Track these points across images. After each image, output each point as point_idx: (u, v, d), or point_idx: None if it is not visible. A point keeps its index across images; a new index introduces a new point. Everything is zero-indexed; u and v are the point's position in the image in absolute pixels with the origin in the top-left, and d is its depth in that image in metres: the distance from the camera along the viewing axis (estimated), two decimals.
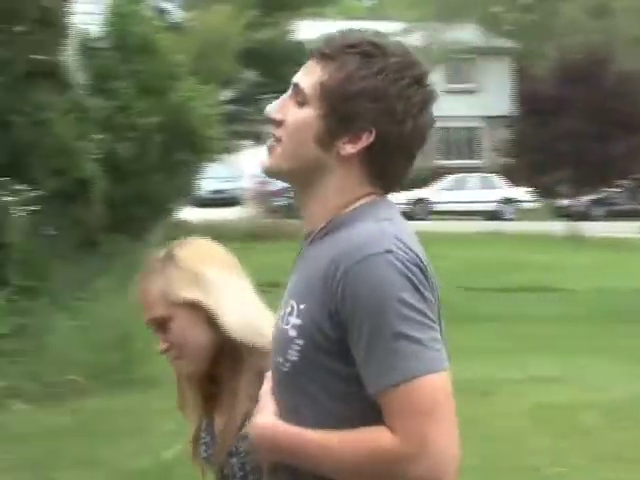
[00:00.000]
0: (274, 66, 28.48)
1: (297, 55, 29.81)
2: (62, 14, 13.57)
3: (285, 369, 2.04)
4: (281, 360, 2.04)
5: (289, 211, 28.40)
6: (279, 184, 33.14)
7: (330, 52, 2.00)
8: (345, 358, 1.95)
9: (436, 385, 1.89)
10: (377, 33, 2.04)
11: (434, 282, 1.98)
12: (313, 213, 2.06)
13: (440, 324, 1.98)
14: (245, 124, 27.62)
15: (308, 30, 30.94)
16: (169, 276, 2.40)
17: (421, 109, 2.00)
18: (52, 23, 13.07)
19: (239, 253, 2.58)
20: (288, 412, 2.04)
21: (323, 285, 1.96)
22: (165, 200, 16.73)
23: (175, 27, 24.09)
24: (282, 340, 2.05)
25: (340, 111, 1.98)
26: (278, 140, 2.05)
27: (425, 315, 1.92)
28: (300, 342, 2.00)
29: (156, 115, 15.40)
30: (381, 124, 1.97)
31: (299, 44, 30.48)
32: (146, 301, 2.42)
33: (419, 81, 2.00)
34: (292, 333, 2.01)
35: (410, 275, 1.92)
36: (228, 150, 20.96)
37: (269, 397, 2.09)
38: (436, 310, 1.97)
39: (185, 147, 16.34)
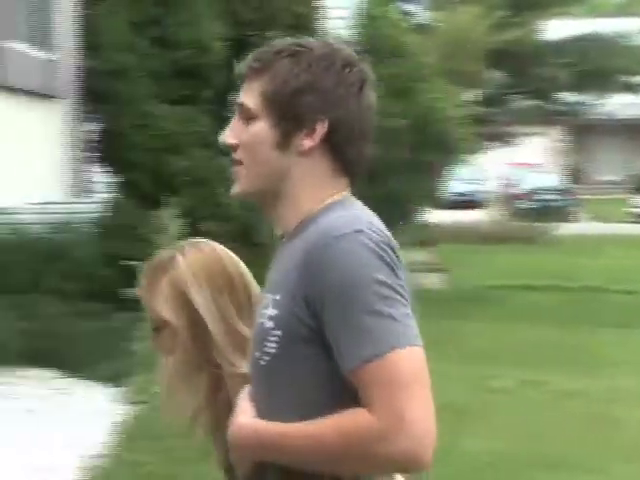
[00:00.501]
0: (521, 66, 28.12)
1: (545, 55, 29.35)
2: (314, 19, 13.85)
3: (263, 362, 2.03)
4: (258, 354, 2.04)
5: (534, 214, 27.95)
6: (524, 186, 32.89)
7: (260, 65, 2.07)
8: (326, 347, 1.95)
9: (412, 358, 1.89)
10: (299, 38, 2.11)
11: (404, 264, 2.00)
12: (285, 217, 2.10)
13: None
14: (491, 125, 27.41)
15: (555, 29, 30.38)
16: (159, 289, 2.37)
17: (360, 88, 2.07)
18: (305, 28, 13.36)
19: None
20: (269, 408, 2.01)
21: (298, 274, 1.98)
22: (413, 201, 16.78)
23: (422, 28, 24.13)
24: (258, 334, 2.05)
25: (288, 113, 2.04)
26: (239, 163, 2.10)
27: (397, 292, 1.94)
28: (278, 333, 1.99)
29: (405, 117, 15.46)
30: (329, 111, 2.03)
31: (547, 44, 29.95)
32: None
33: (350, 64, 2.07)
34: (268, 324, 2.01)
35: (382, 253, 1.95)
36: (474, 152, 20.84)
37: (246, 400, 2.08)
38: (408, 289, 1.97)
39: (433, 149, 16.34)
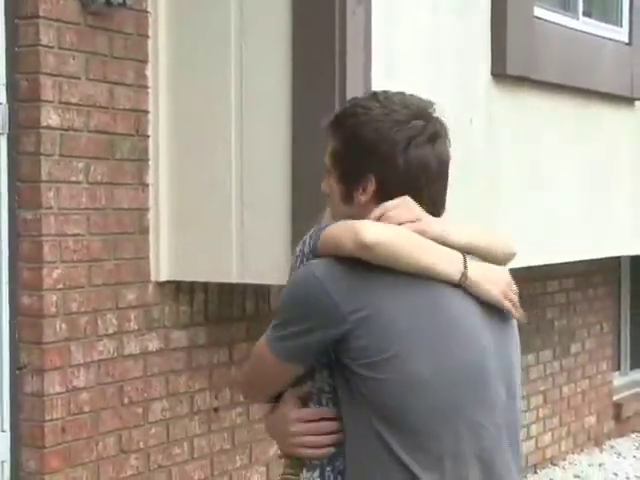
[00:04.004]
0: None
1: None
2: None
3: None
4: None
5: None
6: None
7: (331, 125, 2.34)
8: None
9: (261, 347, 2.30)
10: (374, 94, 2.35)
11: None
12: None
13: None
14: None
15: None
16: None
17: (407, 145, 2.24)
18: None
19: None
20: None
21: None
22: None
23: None
24: None
25: (346, 171, 2.29)
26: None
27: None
28: None
29: None
30: (376, 169, 2.25)
31: None
32: None
33: (399, 123, 2.25)
34: None
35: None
36: None
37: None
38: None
39: None
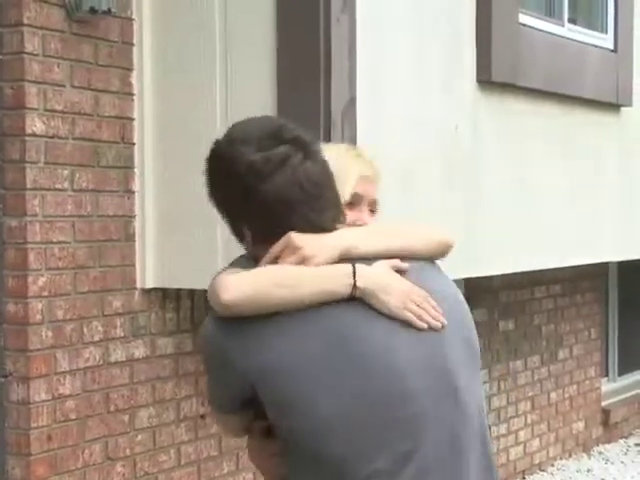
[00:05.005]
0: None
1: None
2: None
3: None
4: None
5: None
6: None
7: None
8: None
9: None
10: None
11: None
12: None
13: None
14: None
15: None
16: None
17: (250, 192, 2.11)
18: None
19: None
20: None
21: None
22: None
23: None
24: None
25: (226, 222, 2.22)
26: None
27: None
28: None
29: None
30: (242, 220, 2.15)
31: None
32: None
33: (235, 176, 2.12)
34: None
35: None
36: None
37: None
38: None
39: None
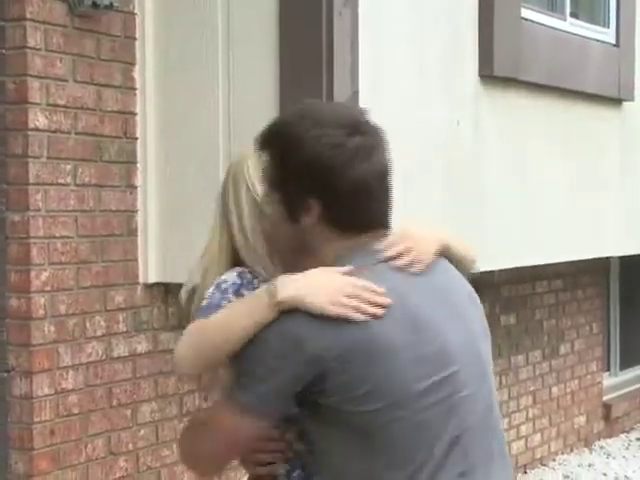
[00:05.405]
0: None
1: None
2: None
3: None
4: None
5: None
6: None
7: (262, 146, 2.27)
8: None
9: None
10: (302, 112, 2.25)
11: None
12: None
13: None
14: None
15: None
16: None
17: (344, 168, 2.14)
18: None
19: None
20: None
21: None
22: None
23: None
24: None
25: (285, 194, 2.22)
26: None
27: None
28: None
29: None
30: (316, 193, 2.17)
31: None
32: None
33: (334, 146, 2.15)
34: None
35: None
36: None
37: None
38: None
39: None
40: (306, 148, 2.17)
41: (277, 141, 2.24)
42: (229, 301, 2.30)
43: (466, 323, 2.24)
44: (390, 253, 2.18)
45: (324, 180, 2.17)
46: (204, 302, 2.35)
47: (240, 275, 2.37)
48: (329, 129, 2.18)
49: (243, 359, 2.14)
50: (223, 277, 2.38)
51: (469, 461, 2.16)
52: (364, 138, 2.19)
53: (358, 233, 2.21)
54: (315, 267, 2.17)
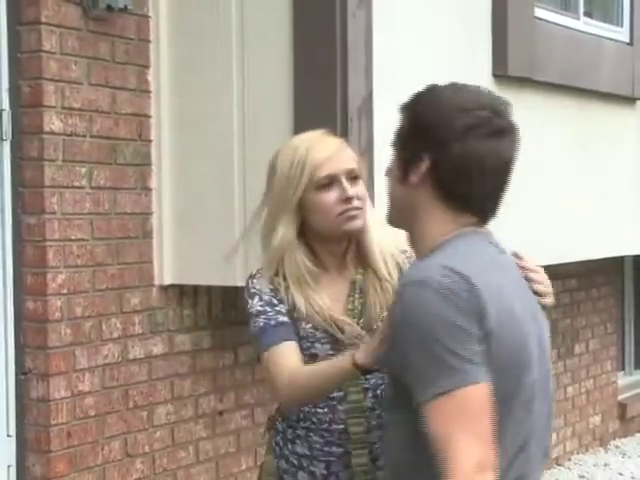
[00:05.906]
0: None
1: None
2: None
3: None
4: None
5: None
6: None
7: (402, 106, 2.30)
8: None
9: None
10: (452, 83, 2.27)
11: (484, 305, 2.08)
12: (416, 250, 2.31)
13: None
14: None
15: None
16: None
17: (465, 133, 2.15)
18: None
19: None
20: None
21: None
22: None
23: None
24: None
25: (403, 149, 2.27)
26: None
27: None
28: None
29: None
30: (431, 151, 2.18)
31: None
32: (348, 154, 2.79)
33: (463, 110, 2.17)
34: None
35: (442, 301, 2.06)
36: None
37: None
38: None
39: None
40: (436, 106, 2.20)
41: (416, 101, 2.26)
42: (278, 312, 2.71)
43: (539, 326, 2.30)
44: (528, 263, 2.37)
45: (441, 138, 2.16)
46: (260, 322, 2.70)
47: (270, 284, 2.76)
48: (467, 96, 2.22)
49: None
50: (258, 286, 2.75)
51: (529, 467, 2.18)
52: (500, 121, 2.20)
53: (461, 212, 2.21)
54: (422, 239, 2.23)
